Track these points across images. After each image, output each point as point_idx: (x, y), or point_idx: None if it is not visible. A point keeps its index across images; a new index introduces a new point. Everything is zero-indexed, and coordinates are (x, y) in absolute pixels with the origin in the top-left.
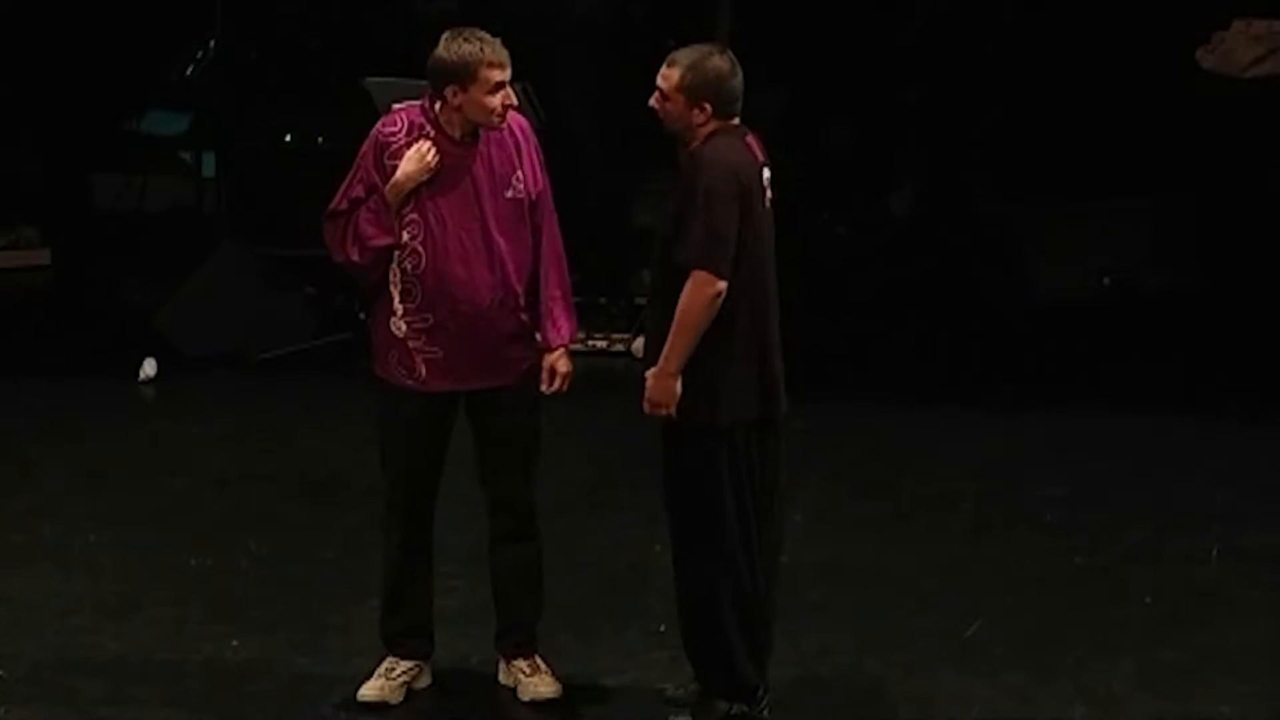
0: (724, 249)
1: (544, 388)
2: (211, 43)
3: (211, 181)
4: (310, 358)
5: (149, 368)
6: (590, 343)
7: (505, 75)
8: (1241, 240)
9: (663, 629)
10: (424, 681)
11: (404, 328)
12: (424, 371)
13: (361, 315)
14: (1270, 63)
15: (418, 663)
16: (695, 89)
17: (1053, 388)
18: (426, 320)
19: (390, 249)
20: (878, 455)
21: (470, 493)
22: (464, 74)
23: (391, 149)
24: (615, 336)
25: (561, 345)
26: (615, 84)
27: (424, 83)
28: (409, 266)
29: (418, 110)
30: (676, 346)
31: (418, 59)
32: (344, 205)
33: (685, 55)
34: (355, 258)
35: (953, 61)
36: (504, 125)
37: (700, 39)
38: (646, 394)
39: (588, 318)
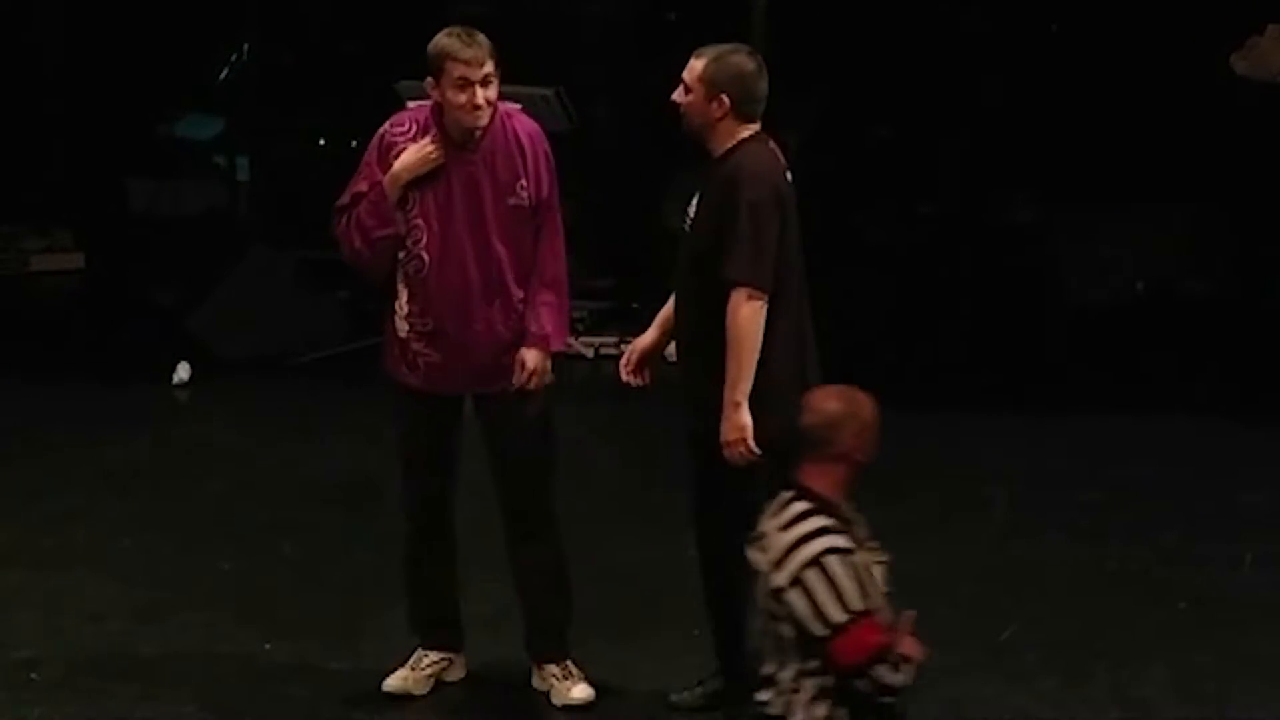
0: (768, 265)
1: (514, 380)
2: (245, 47)
3: (245, 185)
4: (343, 361)
5: (183, 371)
6: (622, 346)
7: (474, 74)
8: (1276, 245)
9: (696, 633)
10: (455, 675)
11: (406, 328)
12: (419, 377)
13: None
14: None
15: (446, 655)
16: (716, 80)
17: (1086, 393)
18: (427, 325)
19: (393, 241)
20: (910, 460)
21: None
22: (435, 67)
23: (397, 148)
24: None
25: (537, 342)
26: (647, 87)
27: None
28: (412, 270)
29: (427, 111)
30: (742, 372)
31: None
32: (346, 199)
33: (712, 49)
34: (359, 246)
35: (991, 68)
36: (478, 124)
37: (734, 41)
38: (723, 437)
39: (619, 321)
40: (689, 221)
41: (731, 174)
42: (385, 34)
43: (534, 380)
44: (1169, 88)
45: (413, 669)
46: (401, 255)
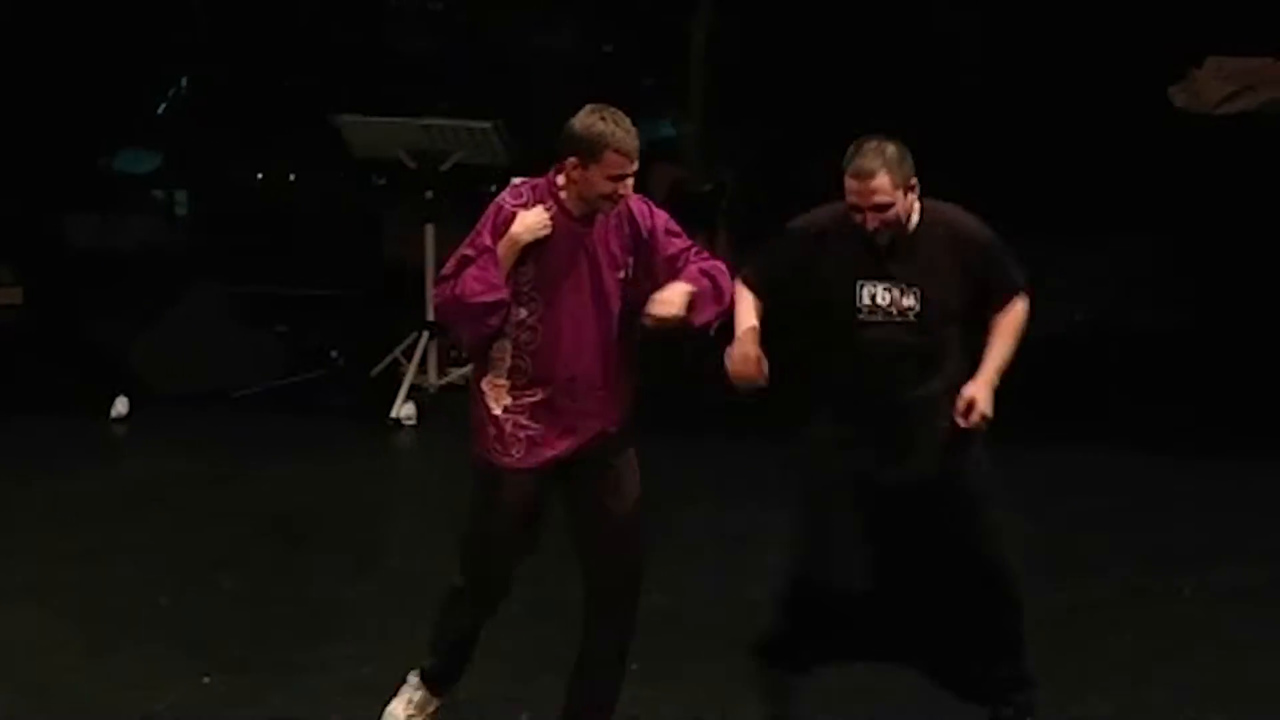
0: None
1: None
2: (183, 81)
3: (184, 219)
4: (282, 395)
5: (121, 405)
6: None
7: (629, 167)
8: (1219, 276)
9: (635, 667)
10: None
11: (508, 402)
12: (520, 451)
13: (334, 354)
14: (1243, 99)
15: (445, 700)
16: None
17: (1035, 427)
18: (534, 395)
19: (498, 308)
20: None
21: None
22: (588, 151)
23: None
24: None
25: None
26: None
27: (398, 120)
28: (525, 339)
29: (542, 184)
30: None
31: (391, 97)
32: (451, 268)
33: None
34: (464, 312)
35: (931, 100)
36: (613, 210)
37: (676, 74)
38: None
39: None
40: None
41: None
42: (324, 68)
43: (665, 313)
44: (1113, 122)
45: (420, 711)
46: (509, 327)
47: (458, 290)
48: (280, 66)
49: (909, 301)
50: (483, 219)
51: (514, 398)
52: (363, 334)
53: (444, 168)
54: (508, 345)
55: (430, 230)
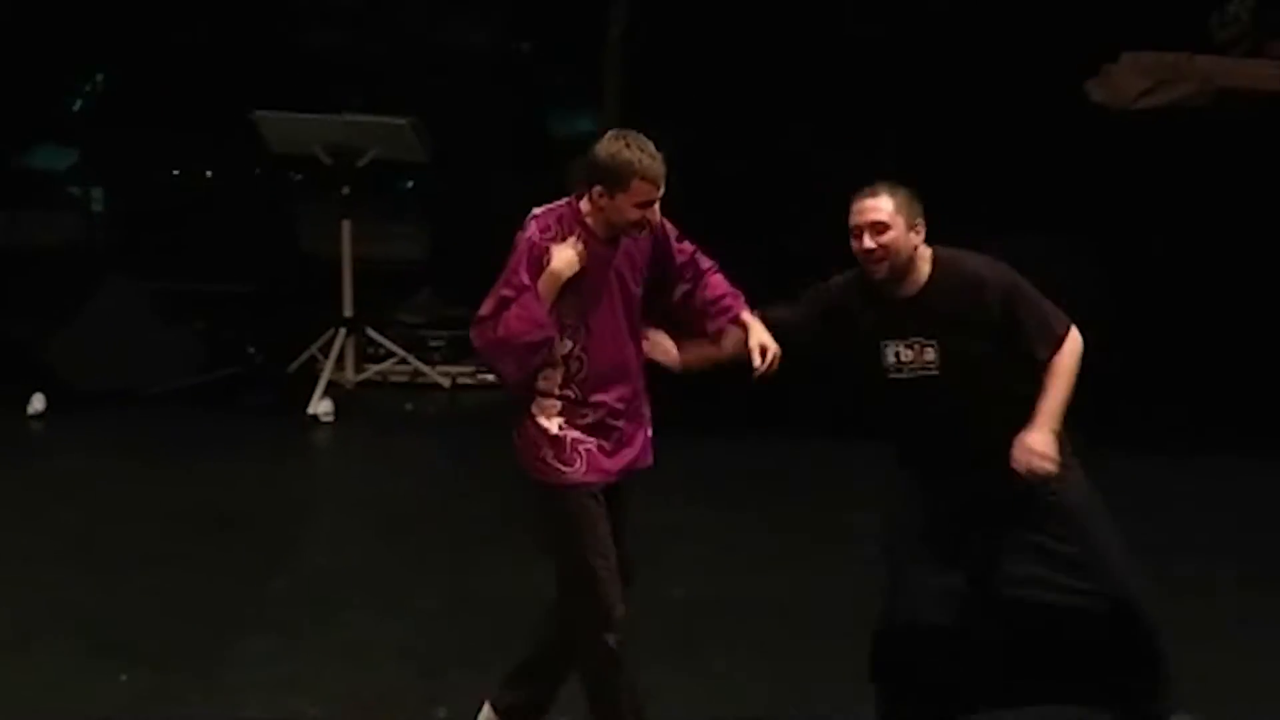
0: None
1: (757, 364)
2: (99, 76)
3: (100, 215)
4: (199, 392)
5: (38, 402)
6: (480, 376)
7: (656, 194)
8: (1137, 274)
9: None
10: None
11: (561, 421)
12: (582, 466)
13: (251, 350)
14: (1159, 94)
15: None
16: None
17: None
18: (585, 416)
19: (544, 345)
20: (794, 488)
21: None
22: (615, 180)
23: (548, 254)
24: None
25: (744, 313)
26: (504, 115)
27: (316, 116)
28: (573, 370)
29: (566, 213)
30: None
31: (306, 93)
32: (490, 309)
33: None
34: (511, 354)
35: (845, 96)
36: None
37: (589, 73)
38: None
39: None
40: None
41: None
42: (239, 63)
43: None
44: (1028, 117)
45: None
46: (555, 357)
47: (502, 333)
48: (196, 62)
49: (929, 355)
50: (515, 257)
51: (565, 418)
52: (280, 330)
53: (361, 164)
54: (557, 376)
55: (347, 226)
